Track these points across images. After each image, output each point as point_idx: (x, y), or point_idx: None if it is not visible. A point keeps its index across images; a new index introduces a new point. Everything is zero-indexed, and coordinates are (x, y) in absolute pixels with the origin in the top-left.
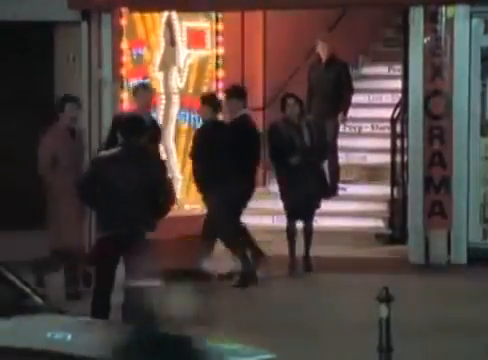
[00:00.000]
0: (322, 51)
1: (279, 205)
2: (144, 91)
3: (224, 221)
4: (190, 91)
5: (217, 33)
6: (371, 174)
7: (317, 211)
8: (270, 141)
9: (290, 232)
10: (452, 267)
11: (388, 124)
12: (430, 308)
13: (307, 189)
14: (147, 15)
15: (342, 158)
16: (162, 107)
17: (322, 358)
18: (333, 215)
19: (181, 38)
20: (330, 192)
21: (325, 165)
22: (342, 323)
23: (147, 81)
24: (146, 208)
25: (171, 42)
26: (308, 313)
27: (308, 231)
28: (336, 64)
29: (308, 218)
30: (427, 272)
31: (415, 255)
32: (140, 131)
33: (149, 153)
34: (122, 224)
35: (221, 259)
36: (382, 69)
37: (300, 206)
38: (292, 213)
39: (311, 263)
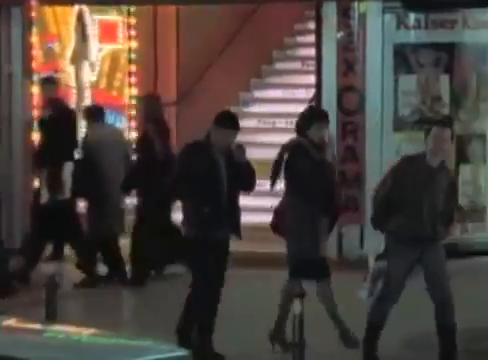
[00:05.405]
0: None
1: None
2: (50, 85)
3: None
4: (102, 85)
5: (129, 27)
6: None
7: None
8: None
9: None
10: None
11: None
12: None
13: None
14: (58, 8)
15: (257, 153)
16: (74, 101)
17: None
18: (254, 210)
19: (93, 32)
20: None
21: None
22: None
23: (53, 75)
24: None
25: (83, 36)
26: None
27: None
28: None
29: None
30: (340, 267)
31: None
32: None
33: None
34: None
35: None
36: (296, 64)
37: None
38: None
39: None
